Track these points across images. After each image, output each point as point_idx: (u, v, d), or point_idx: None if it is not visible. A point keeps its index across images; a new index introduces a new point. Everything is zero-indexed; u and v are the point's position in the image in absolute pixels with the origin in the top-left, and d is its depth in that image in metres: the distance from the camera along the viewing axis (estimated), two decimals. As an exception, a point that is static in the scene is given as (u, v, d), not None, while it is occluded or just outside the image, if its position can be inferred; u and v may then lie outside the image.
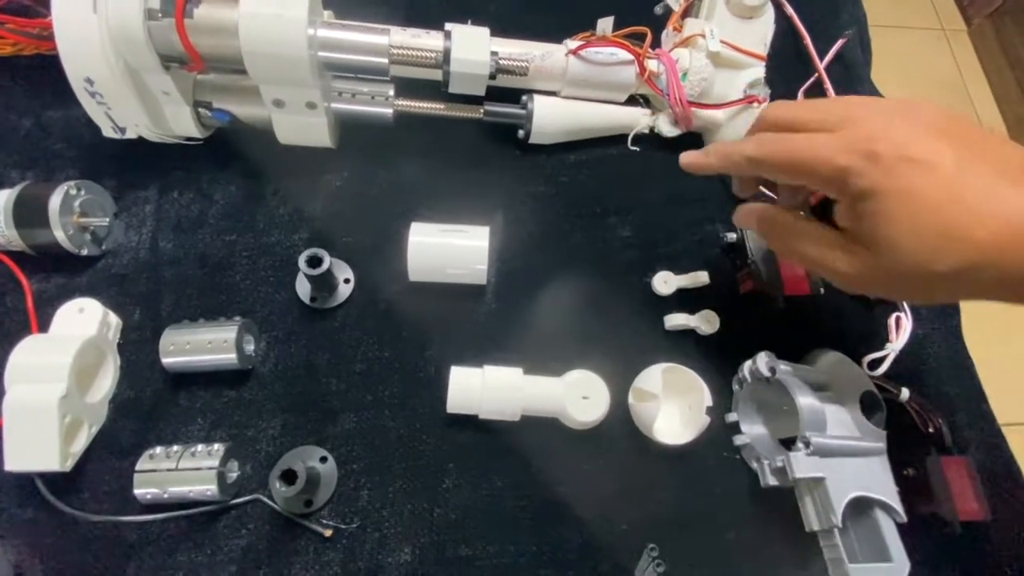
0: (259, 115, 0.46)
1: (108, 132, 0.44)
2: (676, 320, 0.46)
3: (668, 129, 0.52)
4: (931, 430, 0.45)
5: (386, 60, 0.44)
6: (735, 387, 0.44)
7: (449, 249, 0.43)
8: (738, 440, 0.43)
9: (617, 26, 0.48)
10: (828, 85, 0.56)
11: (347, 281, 0.45)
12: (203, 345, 0.39)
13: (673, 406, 0.43)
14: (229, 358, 0.39)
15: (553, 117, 0.50)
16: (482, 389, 0.40)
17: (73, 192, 0.42)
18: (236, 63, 0.41)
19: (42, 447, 0.35)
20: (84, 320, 0.39)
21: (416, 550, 0.38)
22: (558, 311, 0.46)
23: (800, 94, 0.55)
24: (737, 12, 0.51)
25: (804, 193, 0.38)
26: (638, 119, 0.52)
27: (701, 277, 0.47)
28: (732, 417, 0.43)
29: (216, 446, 0.37)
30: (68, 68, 0.40)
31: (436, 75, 0.46)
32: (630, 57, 0.48)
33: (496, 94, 0.49)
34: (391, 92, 0.47)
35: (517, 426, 0.41)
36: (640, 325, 0.46)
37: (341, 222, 0.47)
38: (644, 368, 0.43)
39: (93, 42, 0.39)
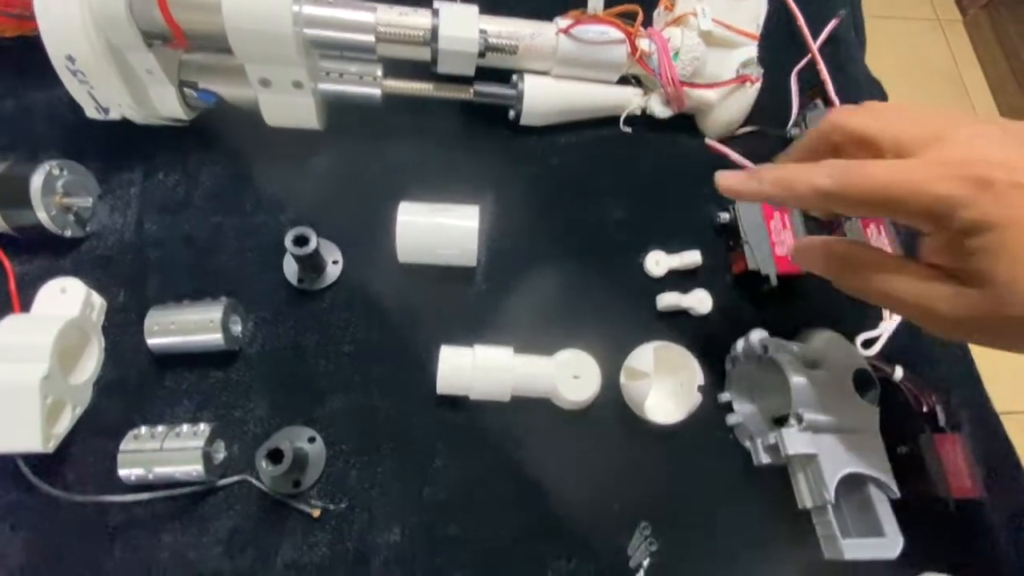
0: (246, 96, 0.46)
1: (91, 113, 0.44)
2: (668, 300, 0.45)
3: (660, 110, 0.51)
4: (925, 409, 0.45)
5: (372, 38, 0.44)
6: (727, 366, 0.44)
7: (438, 229, 0.43)
8: (731, 419, 0.42)
9: (608, 4, 0.48)
10: (822, 66, 0.56)
11: (335, 262, 0.44)
12: (188, 325, 0.39)
13: (665, 385, 0.42)
14: (215, 338, 0.39)
15: (544, 97, 0.49)
16: (472, 369, 0.40)
17: (56, 172, 0.41)
18: (220, 40, 0.40)
19: (24, 428, 0.34)
20: (67, 300, 0.38)
21: (405, 530, 0.38)
22: (549, 292, 0.46)
23: (793, 75, 0.55)
24: (729, -10, 0.50)
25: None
26: (630, 99, 0.51)
27: (693, 257, 0.47)
28: (725, 397, 0.43)
29: (202, 426, 0.36)
30: (49, 46, 0.39)
31: (424, 54, 0.46)
32: (621, 36, 0.48)
33: (486, 75, 0.48)
34: (379, 72, 0.47)
35: (508, 406, 0.41)
36: (632, 306, 0.46)
37: (329, 204, 0.46)
38: (636, 348, 0.43)
39: (74, 19, 0.38)
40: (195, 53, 0.45)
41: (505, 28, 0.47)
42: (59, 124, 0.47)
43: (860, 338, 0.46)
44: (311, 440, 0.39)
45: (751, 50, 0.50)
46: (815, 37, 0.57)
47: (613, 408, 0.42)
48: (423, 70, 0.47)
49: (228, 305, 0.40)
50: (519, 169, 0.50)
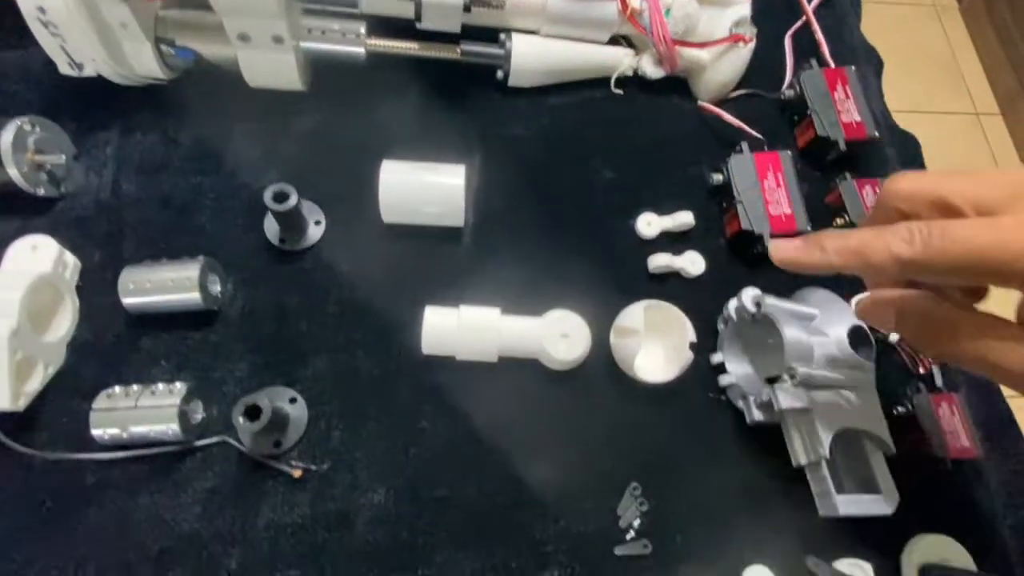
0: (225, 54, 0.44)
1: (64, 68, 0.42)
2: (660, 261, 0.44)
3: (652, 70, 0.50)
4: (922, 371, 0.44)
5: (354, -12, 0.42)
6: (720, 326, 0.43)
7: (422, 187, 0.42)
8: (723, 380, 0.41)
9: (597, -40, 0.47)
10: (816, 27, 0.55)
11: (318, 223, 0.43)
12: (164, 283, 0.38)
13: (656, 344, 0.41)
14: (193, 297, 0.38)
15: (533, 57, 0.48)
16: (458, 329, 0.39)
17: (27, 128, 0.40)
18: (196, -10, 0.39)
19: (-8, 385, 0.33)
20: (38, 257, 0.37)
21: (390, 491, 0.37)
22: (538, 253, 0.45)
23: (788, 37, 0.54)
24: (721, -54, 0.49)
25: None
26: (621, 60, 0.50)
27: (686, 218, 0.46)
28: (717, 358, 0.42)
29: (178, 385, 0.35)
30: (19, -5, 0.38)
31: (408, 10, 0.45)
32: (611, -8, 0.47)
33: (473, 34, 0.47)
34: (362, 30, 0.45)
35: (495, 367, 0.40)
36: (623, 267, 0.45)
37: (312, 165, 0.45)
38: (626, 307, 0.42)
39: (43, -34, 0.37)
40: (172, 9, 0.44)
41: (492, -18, 0.46)
42: (34, 84, 0.46)
43: (855, 299, 0.45)
44: (292, 401, 0.38)
45: (744, 9, 0.49)
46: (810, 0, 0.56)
47: (603, 368, 0.41)
48: (409, 30, 0.46)
49: (206, 264, 0.38)
50: (508, 130, 0.48)
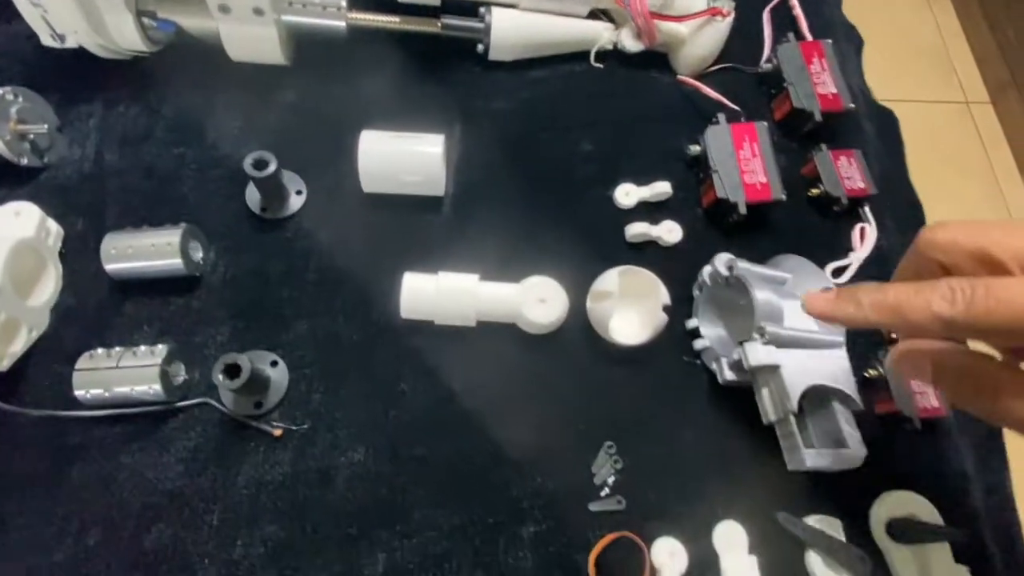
0: (206, 27, 0.45)
1: (46, 40, 0.43)
2: (637, 230, 0.45)
3: (631, 44, 0.51)
4: (893, 336, 0.45)
5: (333, -41, 0.43)
6: (695, 292, 0.44)
7: (401, 156, 0.42)
8: (698, 344, 0.42)
9: (575, -67, 0.47)
10: (795, 2, 0.55)
11: (299, 193, 0.44)
12: (146, 249, 0.38)
13: (632, 309, 0.42)
14: (174, 263, 0.38)
15: (513, 31, 0.48)
16: (436, 293, 0.40)
17: (10, 98, 0.40)
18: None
19: (-24, 346, 0.34)
20: (21, 223, 0.37)
21: (369, 450, 0.37)
22: (518, 223, 0.45)
23: (766, 12, 0.54)
24: (698, -81, 0.49)
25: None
26: (600, 34, 0.51)
27: (663, 187, 0.46)
28: (692, 323, 0.43)
29: (159, 346, 0.36)
30: (-1, -35, 0.38)
31: (388, -18, 0.45)
32: (589, -35, 0.47)
33: (454, 7, 0.48)
34: (343, 3, 0.46)
35: (474, 332, 0.41)
36: (601, 236, 0.46)
37: (294, 136, 0.46)
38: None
39: (23, -66, 0.37)
40: (153, -19, 0.45)
41: (470, -46, 0.46)
42: (17, 58, 0.46)
43: (830, 267, 0.46)
44: (273, 364, 0.39)
45: (721, -18, 0.50)
46: (789, -27, 0.57)
47: (580, 333, 0.42)
48: (390, 4, 0.46)
49: (187, 230, 0.39)
50: (488, 103, 0.49)
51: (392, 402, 0.39)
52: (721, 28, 0.51)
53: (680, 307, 0.43)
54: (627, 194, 0.47)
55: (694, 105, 0.51)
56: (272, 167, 0.39)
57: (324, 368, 0.39)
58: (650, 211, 0.47)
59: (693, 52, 0.51)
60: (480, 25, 0.48)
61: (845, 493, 0.40)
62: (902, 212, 0.52)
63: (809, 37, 0.54)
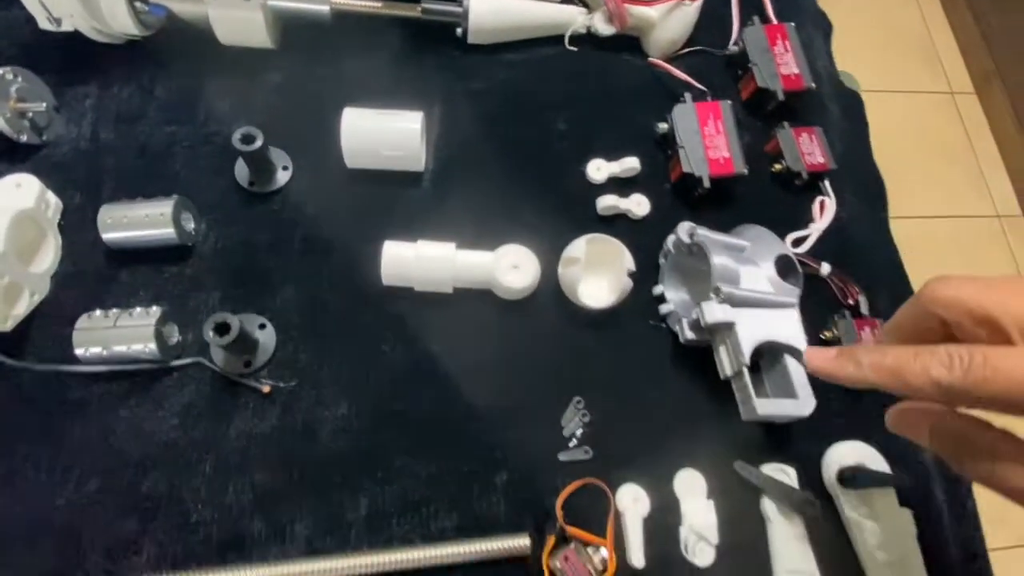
0: (196, 11, 0.47)
1: (43, 23, 0.45)
2: (607, 202, 0.48)
3: (604, 28, 0.53)
4: (851, 302, 0.48)
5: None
6: (661, 260, 0.46)
7: (382, 131, 0.45)
8: (663, 309, 0.45)
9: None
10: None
11: (285, 168, 0.46)
12: (140, 219, 0.40)
13: (600, 276, 0.45)
14: (167, 232, 0.41)
15: (490, 15, 0.51)
16: (415, 260, 0.42)
17: (9, 77, 0.42)
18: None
19: (-18, 306, 0.36)
20: (22, 194, 0.40)
21: (352, 406, 0.40)
22: (494, 197, 0.48)
23: (733, 2, 0.57)
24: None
25: None
26: (574, 17, 0.53)
27: (632, 163, 0.49)
28: (658, 289, 0.46)
29: (154, 308, 0.38)
30: (-3, -50, 0.40)
31: (370, -32, 0.47)
32: (561, -49, 0.49)
33: (433, -8, 0.50)
34: (327, -12, 0.48)
35: (451, 298, 0.43)
36: (573, 210, 0.48)
37: (281, 115, 0.48)
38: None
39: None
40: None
41: (447, -59, 0.49)
42: (16, 41, 0.48)
43: (790, 237, 0.49)
44: (262, 327, 0.41)
45: (689, -32, 0.52)
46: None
47: (552, 300, 0.45)
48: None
49: (179, 201, 0.41)
50: (467, 84, 0.51)
51: (374, 362, 0.41)
52: (690, 12, 0.53)
53: (647, 275, 0.46)
54: (598, 169, 0.49)
55: (664, 86, 0.54)
56: (259, 142, 0.41)
57: (310, 331, 0.42)
58: (620, 186, 0.50)
59: (663, 35, 0.54)
60: (459, 10, 0.51)
61: (799, 444, 0.42)
62: (863, 188, 0.55)
63: (774, 20, 0.56)
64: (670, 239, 0.45)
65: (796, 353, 0.40)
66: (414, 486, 0.38)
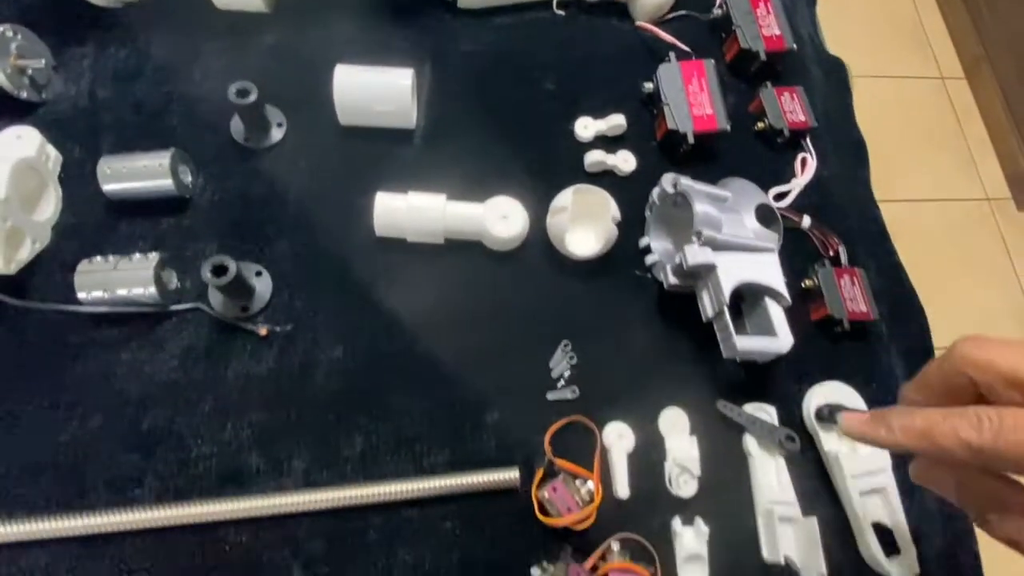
0: (192, -26, 0.48)
1: (42, -16, 0.46)
2: (594, 158, 0.49)
3: (590, -8, 0.54)
4: (831, 253, 0.49)
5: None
6: (647, 213, 0.48)
7: (374, 87, 0.46)
8: (649, 259, 0.46)
9: None
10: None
11: (280, 125, 0.47)
12: (139, 169, 0.42)
13: (587, 226, 0.46)
14: (166, 184, 0.42)
15: (479, -22, 0.52)
16: (407, 210, 0.43)
17: (9, 34, 0.43)
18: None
19: (-14, 250, 0.37)
20: (23, 145, 0.41)
21: (347, 348, 0.41)
22: (484, 154, 0.49)
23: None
24: None
25: None
26: (562, -18, 0.54)
27: (618, 120, 0.50)
28: (644, 241, 0.47)
29: (152, 254, 0.40)
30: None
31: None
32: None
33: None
34: (320, -49, 0.49)
35: (443, 249, 0.45)
36: (561, 166, 0.49)
37: (275, 75, 0.49)
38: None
39: None
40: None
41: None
42: (15, 3, 0.49)
43: (773, 191, 0.50)
44: (258, 274, 0.42)
45: (673, -68, 0.53)
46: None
47: (541, 251, 0.46)
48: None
49: (176, 153, 0.42)
50: (457, 46, 0.53)
51: (368, 310, 0.43)
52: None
53: (633, 231, 0.47)
54: (585, 127, 0.50)
55: (650, 49, 0.55)
56: (253, 95, 0.43)
57: (304, 279, 0.43)
58: (607, 144, 0.51)
59: (650, 2, 0.55)
60: (448, -27, 0.52)
61: (779, 387, 0.44)
62: (845, 149, 0.56)
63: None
64: (655, 191, 0.46)
65: (776, 295, 0.41)
66: (407, 424, 0.40)
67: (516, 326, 0.43)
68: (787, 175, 0.52)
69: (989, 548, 0.36)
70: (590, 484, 0.38)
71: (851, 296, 0.46)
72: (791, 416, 0.43)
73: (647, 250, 0.47)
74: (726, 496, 0.40)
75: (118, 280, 0.38)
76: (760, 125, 0.53)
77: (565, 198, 0.44)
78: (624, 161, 0.49)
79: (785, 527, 0.39)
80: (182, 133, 0.46)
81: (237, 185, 0.45)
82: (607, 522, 0.38)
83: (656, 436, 0.41)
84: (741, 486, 0.41)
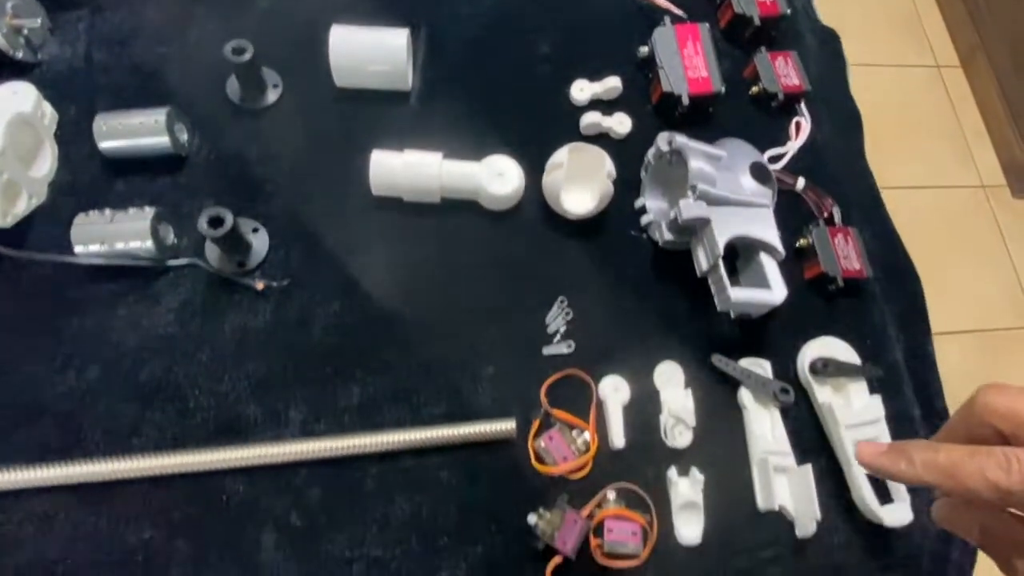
0: (187, -63, 0.48)
1: (37, -55, 0.46)
2: (590, 119, 0.49)
3: (586, -42, 0.54)
4: (825, 214, 0.50)
5: None
6: (642, 173, 0.48)
7: (369, 47, 0.46)
8: (644, 219, 0.46)
9: None
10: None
11: (275, 86, 0.47)
12: (135, 127, 0.42)
13: (583, 185, 0.46)
14: (162, 141, 0.42)
15: (474, -56, 0.52)
16: (403, 167, 0.43)
17: (4, -7, 0.43)
18: None
19: (-18, 202, 0.37)
20: (19, 100, 0.41)
21: (344, 303, 0.41)
22: (479, 116, 0.49)
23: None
24: None
25: None
26: (557, -52, 0.54)
27: (614, 82, 0.50)
28: (640, 202, 0.47)
29: (147, 208, 0.40)
30: None
31: None
32: None
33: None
34: (315, -85, 0.49)
35: (439, 208, 0.45)
36: (557, 128, 0.50)
37: (271, 38, 0.49)
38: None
39: None
40: None
41: None
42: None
43: (768, 153, 0.51)
44: (255, 231, 0.42)
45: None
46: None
47: (537, 211, 0.46)
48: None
49: (172, 111, 0.43)
50: (454, 9, 0.53)
51: (365, 267, 0.43)
52: None
53: (629, 193, 0.47)
54: (581, 90, 0.51)
55: (646, 16, 0.55)
56: (248, 53, 0.43)
57: (301, 237, 0.43)
58: (603, 107, 0.51)
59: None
60: (444, -62, 0.52)
61: (775, 340, 0.44)
62: (839, 116, 0.57)
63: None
64: (650, 152, 0.46)
65: (770, 249, 0.42)
66: (404, 377, 0.40)
67: (512, 283, 0.44)
68: (782, 139, 0.52)
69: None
70: (586, 435, 0.39)
71: (845, 254, 0.46)
72: (785, 371, 0.43)
73: (643, 210, 0.47)
74: (721, 447, 0.41)
75: (115, 233, 0.39)
76: (755, 89, 0.53)
77: (561, 156, 0.44)
78: (620, 123, 0.50)
79: (780, 476, 0.39)
80: (178, 94, 0.46)
81: (233, 145, 0.45)
82: (603, 472, 0.38)
83: (651, 389, 0.41)
84: (735, 437, 0.41)
